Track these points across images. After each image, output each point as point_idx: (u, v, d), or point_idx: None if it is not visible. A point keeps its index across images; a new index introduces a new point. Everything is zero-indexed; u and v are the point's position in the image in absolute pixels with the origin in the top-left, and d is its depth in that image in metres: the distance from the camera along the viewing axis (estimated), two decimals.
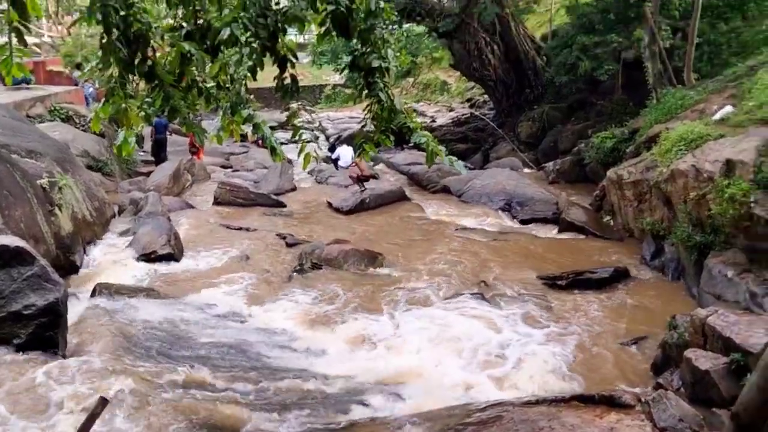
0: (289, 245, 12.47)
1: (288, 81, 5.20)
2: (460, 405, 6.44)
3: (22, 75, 4.64)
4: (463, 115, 31.09)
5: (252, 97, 5.74)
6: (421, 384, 7.29)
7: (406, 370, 7.60)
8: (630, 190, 12.32)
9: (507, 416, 5.43)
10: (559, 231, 13.55)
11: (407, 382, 7.30)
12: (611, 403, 5.78)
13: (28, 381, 6.07)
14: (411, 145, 21.21)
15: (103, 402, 3.36)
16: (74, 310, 8.36)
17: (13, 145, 10.89)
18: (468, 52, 24.36)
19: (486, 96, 30.05)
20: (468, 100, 35.17)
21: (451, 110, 34.24)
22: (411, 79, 41.95)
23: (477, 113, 29.14)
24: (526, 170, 20.05)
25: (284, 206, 15.91)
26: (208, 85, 5.36)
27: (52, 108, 19.42)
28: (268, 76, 5.35)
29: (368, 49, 5.21)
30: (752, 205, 8.69)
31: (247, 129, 5.61)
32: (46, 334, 6.85)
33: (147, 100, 5.05)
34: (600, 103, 20.45)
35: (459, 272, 10.86)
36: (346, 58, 6.27)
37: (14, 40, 4.37)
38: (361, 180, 17.13)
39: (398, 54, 5.54)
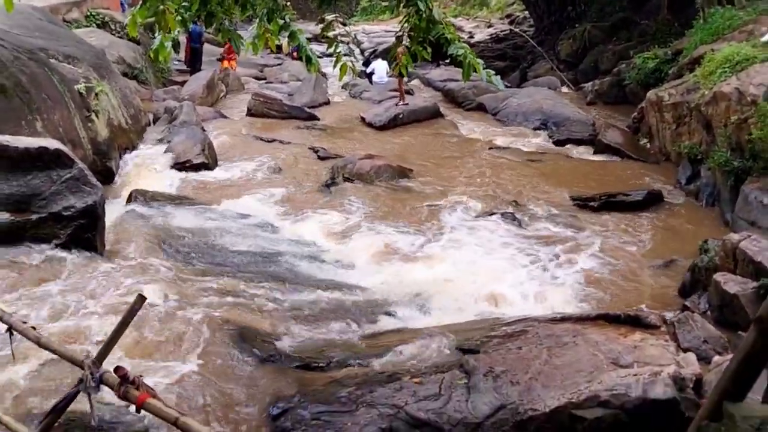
0: (321, 158, 12.52)
1: None
2: (485, 319, 6.55)
3: None
4: (502, 31, 30.38)
5: (288, 4, 5.66)
6: (448, 297, 7.38)
7: (433, 283, 7.68)
8: (669, 112, 12.05)
9: (532, 331, 5.52)
10: (595, 152, 13.37)
11: (435, 295, 7.39)
12: (636, 322, 5.83)
13: (68, 277, 6.28)
14: (447, 61, 20.87)
15: (141, 299, 3.46)
16: (110, 215, 8.54)
17: (51, 48, 10.90)
18: None
19: (527, 12, 29.26)
20: (508, 16, 34.30)
21: (490, 26, 33.47)
22: None
23: (516, 30, 28.43)
24: (565, 90, 19.67)
25: (317, 119, 15.89)
26: None
27: (89, 13, 19.34)
28: None
29: None
30: None
31: (283, 39, 5.56)
32: (84, 235, 7.04)
33: (184, 4, 5.01)
34: (644, 22, 19.79)
35: (491, 191, 10.83)
36: None
37: None
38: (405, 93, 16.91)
39: None
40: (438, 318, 6.81)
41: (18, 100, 8.72)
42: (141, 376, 3.67)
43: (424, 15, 5.17)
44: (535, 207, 10.18)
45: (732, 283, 6.46)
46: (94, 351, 4.19)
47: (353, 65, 5.39)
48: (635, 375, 4.71)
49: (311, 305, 6.87)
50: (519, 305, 7.20)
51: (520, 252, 8.65)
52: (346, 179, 11.17)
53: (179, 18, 4.90)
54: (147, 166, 11.52)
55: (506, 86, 18.91)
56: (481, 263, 8.33)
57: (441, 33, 5.20)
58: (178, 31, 5.22)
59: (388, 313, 6.89)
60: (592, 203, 10.18)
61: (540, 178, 11.64)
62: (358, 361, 5.49)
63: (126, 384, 3.52)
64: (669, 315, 6.24)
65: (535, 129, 15.16)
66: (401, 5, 5.34)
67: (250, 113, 15.84)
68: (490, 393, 4.67)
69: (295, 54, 23.21)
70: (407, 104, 16.16)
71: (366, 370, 5.26)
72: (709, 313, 6.65)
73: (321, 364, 5.49)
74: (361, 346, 5.97)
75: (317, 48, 18.63)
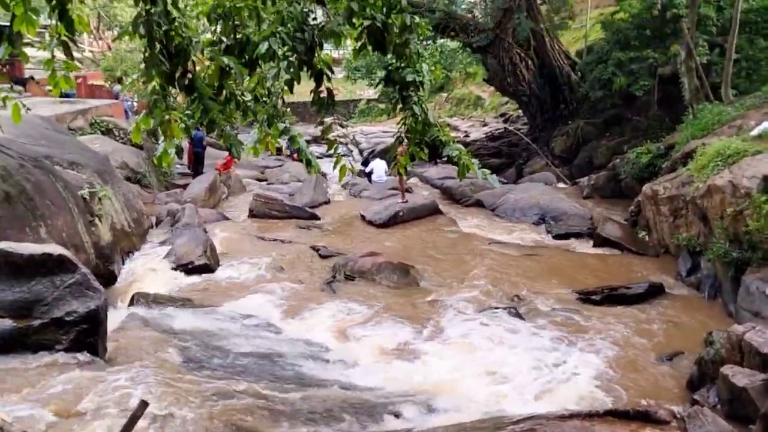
0: (322, 257, 12.59)
1: (324, 95, 5.28)
2: (492, 417, 6.43)
3: (69, 88, 4.81)
4: (496, 130, 31.09)
5: (287, 110, 5.85)
6: (453, 396, 7.29)
7: (438, 382, 7.61)
8: (666, 205, 12.22)
9: (540, 429, 5.41)
10: (594, 246, 13.47)
11: (439, 394, 7.30)
12: (646, 418, 5.71)
13: (69, 384, 6.20)
14: (444, 159, 21.22)
15: (144, 405, 3.45)
16: (113, 319, 8.52)
17: (56, 156, 11.17)
18: (502, 67, 24.36)
19: (520, 111, 30.02)
20: (502, 115, 35.12)
21: (485, 125, 34.22)
22: (445, 94, 42.09)
23: (511, 128, 29.12)
24: (560, 185, 20.00)
25: (318, 218, 16.07)
26: (246, 99, 5.48)
27: (93, 121, 19.87)
28: (302, 90, 5.46)
29: (403, 64, 5.28)
30: None
31: (283, 142, 5.71)
32: (87, 340, 7.01)
33: (187, 112, 5.18)
34: (635, 118, 20.33)
35: (492, 286, 10.83)
36: (381, 73, 6.32)
37: (61, 54, 4.54)
38: (405, 191, 17.16)
39: (432, 68, 5.60)
40: (444, 417, 6.70)
41: (22, 206, 8.87)
42: None
43: (420, 118, 5.35)
44: (537, 301, 10.17)
45: (740, 376, 6.39)
46: None
47: (352, 165, 5.53)
48: None
49: (315, 406, 6.75)
50: (525, 402, 7.09)
51: (525, 347, 8.59)
52: (348, 277, 11.20)
53: (182, 125, 5.05)
54: (149, 269, 11.56)
55: (503, 182, 19.26)
56: (486, 359, 8.26)
57: (436, 135, 5.36)
58: (182, 138, 5.37)
59: (393, 413, 6.78)
60: (594, 297, 10.19)
61: (541, 272, 11.68)
62: None
63: None
64: (678, 409, 6.13)
65: (533, 224, 15.34)
66: (398, 108, 5.51)
67: (252, 214, 16.04)
68: None
69: (295, 155, 23.65)
70: (407, 202, 16.37)
71: None
72: (719, 407, 6.55)
73: None
74: None
75: (316, 149, 19.01)
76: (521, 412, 6.59)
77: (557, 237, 14.32)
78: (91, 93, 26.76)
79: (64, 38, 4.43)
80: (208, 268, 11.63)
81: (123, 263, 11.55)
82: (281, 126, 5.43)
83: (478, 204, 17.60)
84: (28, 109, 5.16)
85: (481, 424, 6.09)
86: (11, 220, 8.47)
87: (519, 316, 9.61)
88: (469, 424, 6.16)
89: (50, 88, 5.00)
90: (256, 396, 6.73)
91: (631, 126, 20.33)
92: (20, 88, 25.59)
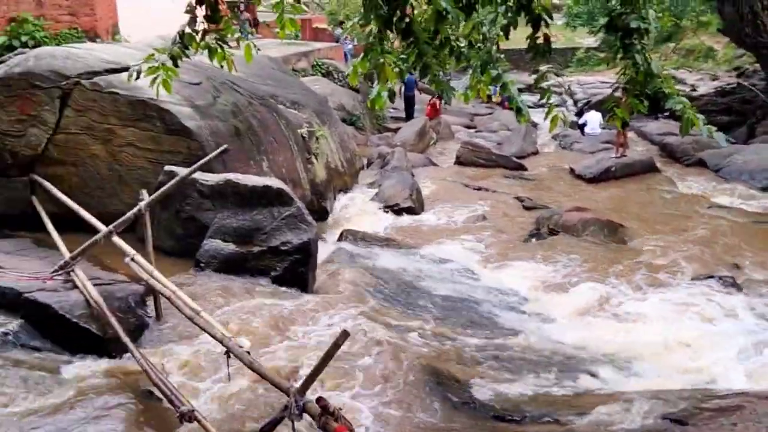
0: (527, 208, 12.42)
1: (540, 41, 5.12)
2: (696, 389, 6.08)
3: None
4: (728, 84, 28.46)
5: (502, 56, 5.73)
6: (654, 362, 6.95)
7: (639, 346, 7.26)
8: None
9: (749, 407, 5.02)
10: None
11: (640, 359, 6.99)
12: None
13: (281, 308, 6.70)
14: (666, 113, 19.95)
15: (345, 335, 3.64)
16: (322, 252, 9.05)
17: (280, 95, 11.87)
18: (740, 16, 22.08)
19: (757, 65, 27.26)
20: (735, 69, 32.09)
21: (715, 79, 31.49)
22: (672, 44, 39.17)
23: (745, 83, 26.54)
24: None
25: (525, 169, 15.81)
26: (461, 44, 5.45)
27: (315, 63, 20.85)
28: (518, 37, 5.32)
29: (627, 9, 4.97)
30: None
31: (494, 90, 5.64)
32: (298, 269, 7.51)
33: (402, 56, 5.25)
34: None
35: (709, 252, 10.06)
36: (603, 20, 6.00)
37: None
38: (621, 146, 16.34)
39: (660, 15, 5.22)
40: (643, 383, 6.42)
41: (249, 141, 9.56)
42: (341, 408, 3.83)
43: (641, 68, 5.02)
44: (759, 272, 9.33)
45: None
46: (299, 380, 4.45)
47: (564, 116, 5.32)
48: None
49: (509, 355, 6.76)
50: (733, 379, 6.60)
51: (739, 321, 7.95)
52: (552, 231, 10.96)
53: (397, 69, 5.14)
54: (358, 207, 12.11)
55: (731, 142, 17.70)
56: (694, 329, 7.75)
57: (658, 87, 5.01)
58: (395, 82, 5.48)
59: (590, 373, 6.60)
60: None
61: (766, 241, 10.68)
62: (555, 417, 5.31)
63: (326, 415, 3.70)
64: None
65: (762, 189, 13.97)
66: (618, 57, 5.21)
67: (459, 161, 16.13)
68: None
69: (506, 104, 23.36)
70: (622, 156, 15.60)
71: (562, 429, 5.07)
72: None
73: (516, 418, 5.37)
74: (558, 402, 5.78)
75: (528, 98, 18.65)
76: (728, 387, 6.19)
77: None
78: (314, 36, 28.01)
79: None
80: (413, 211, 11.95)
81: (335, 200, 12.14)
82: (494, 73, 5.34)
83: (701, 164, 16.33)
84: (259, 49, 5.50)
85: (684, 395, 5.77)
86: (239, 153, 9.15)
87: (737, 286, 8.88)
88: (669, 392, 5.87)
89: (278, 30, 5.32)
90: (451, 338, 6.87)
91: None
92: (252, 29, 27.47)
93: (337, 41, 25.63)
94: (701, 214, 12.15)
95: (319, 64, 21.05)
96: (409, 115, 21.35)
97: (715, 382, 6.60)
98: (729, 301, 8.48)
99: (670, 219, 11.93)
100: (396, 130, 19.38)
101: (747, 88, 25.21)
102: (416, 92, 21.75)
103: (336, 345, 3.66)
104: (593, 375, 6.54)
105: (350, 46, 24.34)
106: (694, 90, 28.56)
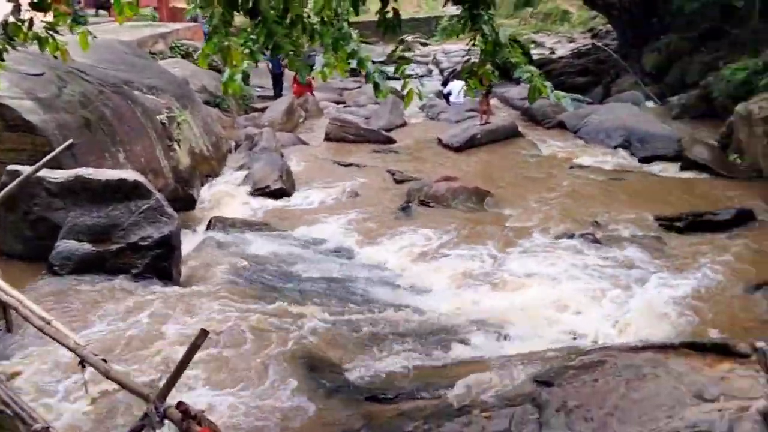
0: (397, 181, 12.51)
1: (390, 15, 5.06)
2: (563, 347, 6.32)
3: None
4: (584, 46, 29.73)
5: (359, 31, 5.63)
6: (526, 325, 7.18)
7: (511, 310, 7.50)
8: (761, 126, 11.49)
9: (610, 361, 5.26)
10: (681, 169, 12.88)
11: (512, 322, 7.21)
12: (724, 351, 5.45)
13: (142, 306, 6.41)
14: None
15: (204, 334, 3.49)
16: (190, 242, 8.76)
17: (135, 81, 11.30)
18: None
19: (609, 26, 28.59)
20: (590, 30, 33.62)
21: (572, 41, 32.87)
22: (530, 9, 40.44)
23: (599, 44, 27.77)
24: (650, 104, 19.08)
25: (394, 142, 15.91)
26: (313, 22, 5.30)
27: (173, 45, 20.05)
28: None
29: None
30: None
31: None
32: (161, 264, 7.22)
33: (251, 37, 5.06)
34: (734, 32, 18.98)
35: (571, 212, 10.53)
36: None
37: None
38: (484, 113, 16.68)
39: None
40: (515, 347, 6.61)
41: (102, 132, 9.05)
42: (203, 411, 3.68)
43: (490, 38, 5.06)
44: (617, 228, 9.82)
45: None
46: (163, 380, 4.26)
47: (419, 90, 5.29)
48: (720, 410, 4.41)
49: (383, 332, 6.79)
50: (599, 333, 6.93)
51: (602, 276, 8.35)
52: (422, 202, 11.09)
53: (247, 51, 4.94)
54: (227, 193, 11.79)
55: (587, 103, 18.49)
56: (561, 288, 8.08)
57: (507, 57, 5.08)
58: (250, 62, 5.27)
59: (463, 341, 6.74)
60: (678, 223, 9.75)
61: (623, 197, 11.27)
62: (428, 392, 5.36)
63: (188, 419, 3.54)
64: (762, 344, 5.85)
65: (617, 146, 14.68)
66: (466, 29, 5.23)
67: (328, 138, 16.01)
68: (561, 430, 4.47)
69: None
70: (485, 123, 15.97)
71: (435, 402, 5.12)
72: None
73: (389, 396, 5.38)
74: (432, 376, 5.84)
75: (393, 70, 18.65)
76: (594, 342, 6.47)
77: (642, 160, 13.73)
78: (172, 16, 26.94)
79: None
80: (284, 193, 11.77)
81: (202, 187, 11.75)
82: (349, 49, 5.24)
83: (561, 126, 16.99)
84: (95, 36, 5.14)
85: (551, 354, 5.99)
86: (91, 146, 8.66)
87: (597, 242, 9.32)
88: (538, 353, 6.07)
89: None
90: (326, 320, 6.79)
91: (729, 40, 19.00)
92: (104, 12, 26.10)
93: (195, 21, 24.75)
94: (563, 175, 12.68)
95: (178, 45, 20.26)
96: (278, 94, 20.96)
97: (585, 337, 6.91)
98: (591, 256, 8.89)
99: (534, 182, 12.37)
100: (264, 110, 18.97)
101: (601, 48, 26.37)
102: (285, 69, 21.36)
103: (195, 346, 3.50)
104: (466, 343, 6.67)
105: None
106: (553, 53, 29.69)
